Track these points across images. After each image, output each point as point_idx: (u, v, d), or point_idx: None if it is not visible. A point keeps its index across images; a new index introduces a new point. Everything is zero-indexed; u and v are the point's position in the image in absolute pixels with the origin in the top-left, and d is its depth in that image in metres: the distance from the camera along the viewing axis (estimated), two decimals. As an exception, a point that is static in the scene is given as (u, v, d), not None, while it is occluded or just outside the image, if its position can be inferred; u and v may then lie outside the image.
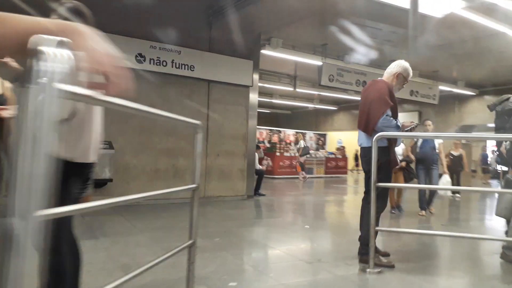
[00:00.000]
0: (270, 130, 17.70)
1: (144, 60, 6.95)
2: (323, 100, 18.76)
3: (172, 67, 7.23)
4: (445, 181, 6.60)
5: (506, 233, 3.93)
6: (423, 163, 6.63)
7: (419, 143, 6.75)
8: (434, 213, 6.79)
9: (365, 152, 3.74)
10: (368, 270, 3.31)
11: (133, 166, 6.94)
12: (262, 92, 16.63)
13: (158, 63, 7.08)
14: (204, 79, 7.65)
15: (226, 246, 4.12)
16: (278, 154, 16.27)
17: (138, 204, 6.79)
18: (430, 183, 6.59)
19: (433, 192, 6.84)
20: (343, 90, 10.39)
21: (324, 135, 20.11)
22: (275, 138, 17.89)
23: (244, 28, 7.75)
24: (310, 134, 19.25)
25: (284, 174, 15.85)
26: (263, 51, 9.13)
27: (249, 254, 4.09)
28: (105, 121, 6.34)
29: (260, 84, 13.78)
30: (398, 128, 3.62)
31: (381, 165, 3.54)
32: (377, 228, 3.48)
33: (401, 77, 3.78)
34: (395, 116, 3.67)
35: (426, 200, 6.74)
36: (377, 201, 3.58)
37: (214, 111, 7.79)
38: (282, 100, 17.58)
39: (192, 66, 7.43)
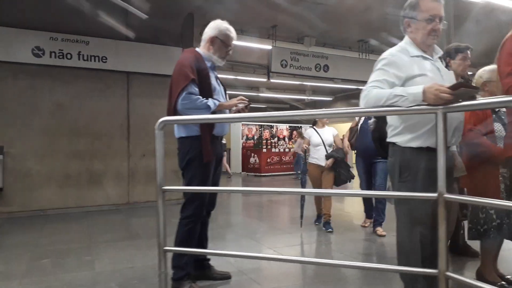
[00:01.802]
0: (260, 125, 16.68)
1: (43, 54, 6.21)
2: (316, 91, 17.54)
3: (79, 59, 6.45)
4: None
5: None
6: (363, 155, 4.65)
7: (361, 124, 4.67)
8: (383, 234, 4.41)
9: (179, 144, 2.85)
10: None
11: (36, 172, 6.21)
12: (243, 86, 15.71)
13: (61, 56, 6.32)
14: (121, 71, 6.83)
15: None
16: (264, 150, 15.31)
17: (45, 215, 6.10)
18: (374, 183, 4.52)
19: (380, 199, 4.58)
20: (301, 76, 9.26)
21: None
22: (266, 134, 16.87)
23: (169, 10, 6.87)
24: (306, 127, 18.09)
25: (273, 172, 14.87)
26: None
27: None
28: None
29: (231, 77, 13.04)
30: (209, 109, 2.67)
31: (190, 160, 2.74)
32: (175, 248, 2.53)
33: (218, 42, 2.85)
34: (207, 93, 2.74)
35: (371, 204, 4.78)
36: (184, 209, 2.78)
37: (136, 106, 6.96)
38: (271, 93, 16.53)
39: (104, 58, 6.62)
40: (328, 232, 4.64)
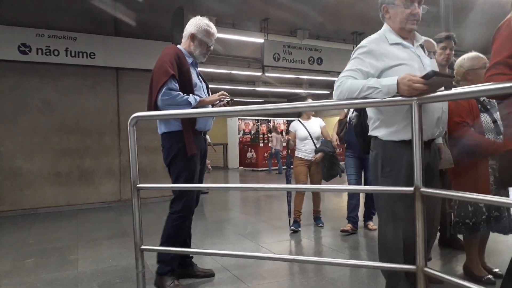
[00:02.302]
0: (257, 120, 16.61)
1: (30, 51, 6.12)
2: (313, 85, 17.43)
3: (67, 56, 6.37)
4: None
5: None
6: (352, 149, 4.25)
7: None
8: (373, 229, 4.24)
9: (162, 140, 2.80)
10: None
11: (26, 170, 6.16)
12: (240, 81, 15.62)
13: (48, 53, 6.24)
14: (110, 67, 6.75)
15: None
16: (261, 145, 15.25)
17: (36, 213, 6.05)
18: (365, 181, 4.28)
19: (370, 196, 4.30)
20: (295, 69, 9.16)
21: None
22: (263, 129, 16.81)
23: (159, 4, 6.77)
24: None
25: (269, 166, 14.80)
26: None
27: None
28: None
29: (225, 71, 12.94)
30: (189, 105, 2.62)
31: (174, 156, 2.70)
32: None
33: (198, 38, 2.80)
34: (188, 89, 2.69)
35: (356, 206, 4.32)
36: (173, 205, 2.77)
37: (126, 102, 6.88)
38: (266, 87, 16.43)
39: (92, 54, 6.54)
40: (319, 227, 4.57)
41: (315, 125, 4.62)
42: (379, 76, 1.96)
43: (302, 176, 4.49)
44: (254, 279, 2.88)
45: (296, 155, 4.62)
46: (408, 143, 1.91)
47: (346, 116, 4.32)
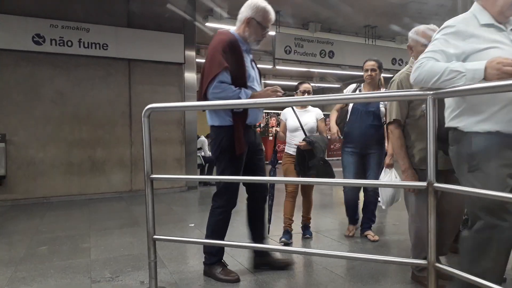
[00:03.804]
0: (267, 113, 16.56)
1: (44, 41, 6.18)
2: (324, 78, 17.33)
3: (80, 47, 6.41)
4: (393, 180, 3.31)
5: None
6: (354, 143, 3.63)
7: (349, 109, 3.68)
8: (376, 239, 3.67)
9: (211, 132, 2.75)
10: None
11: (39, 160, 6.25)
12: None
13: (61, 44, 6.29)
14: (123, 58, 6.78)
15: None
16: (271, 138, 15.23)
17: (48, 202, 6.16)
18: (367, 177, 3.66)
19: (372, 198, 3.76)
20: (306, 62, 9.11)
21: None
22: (272, 122, 16.78)
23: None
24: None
25: (279, 159, 14.77)
26: (208, 24, 8.14)
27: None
28: (1, 113, 5.80)
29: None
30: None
31: (223, 151, 2.65)
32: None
33: (254, 23, 2.63)
34: (241, 82, 2.56)
35: (356, 207, 3.86)
36: (216, 199, 2.74)
37: (138, 94, 6.93)
38: (278, 80, 16.38)
39: (105, 45, 6.58)
40: (306, 237, 3.80)
41: (310, 115, 3.75)
42: (464, 61, 1.76)
43: (291, 175, 3.72)
44: (262, 270, 2.90)
45: (285, 150, 3.84)
46: (497, 135, 1.72)
47: (347, 105, 3.71)
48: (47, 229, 4.36)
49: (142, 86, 6.95)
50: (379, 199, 3.49)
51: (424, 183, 1.70)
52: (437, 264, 1.73)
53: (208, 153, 8.34)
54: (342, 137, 3.73)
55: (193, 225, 4.52)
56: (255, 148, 2.79)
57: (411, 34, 2.52)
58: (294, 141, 3.71)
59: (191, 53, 7.38)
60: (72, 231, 4.23)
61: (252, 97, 2.54)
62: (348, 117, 3.67)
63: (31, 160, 6.20)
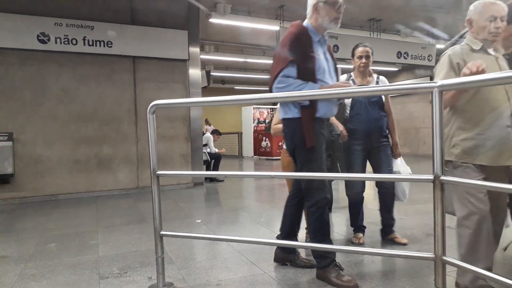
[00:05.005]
0: (272, 109, 16.56)
1: (49, 40, 6.20)
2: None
3: (84, 45, 6.43)
4: (402, 171, 3.34)
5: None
6: (362, 139, 3.28)
7: (347, 103, 3.33)
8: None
9: (283, 126, 2.66)
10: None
11: (46, 158, 6.30)
12: (255, 69, 15.56)
13: (66, 42, 6.31)
14: (127, 55, 6.80)
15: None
16: (276, 134, 15.23)
17: (56, 199, 6.21)
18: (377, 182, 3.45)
19: (390, 195, 3.37)
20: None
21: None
22: (277, 117, 16.76)
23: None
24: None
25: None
26: (211, 20, 8.14)
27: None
28: (8, 111, 5.85)
29: (240, 59, 12.88)
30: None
31: (296, 145, 2.53)
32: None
33: (322, 5, 2.48)
34: (309, 75, 2.44)
35: (362, 213, 3.46)
36: (308, 198, 2.59)
37: (143, 91, 6.95)
38: (282, 75, 16.33)
39: (109, 42, 6.59)
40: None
41: None
42: None
43: (291, 169, 3.12)
44: (269, 265, 2.91)
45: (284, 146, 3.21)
46: None
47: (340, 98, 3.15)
48: (55, 226, 4.40)
49: (147, 83, 6.97)
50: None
51: (431, 176, 1.70)
52: (445, 257, 1.73)
53: (214, 149, 8.35)
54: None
55: (199, 221, 4.54)
56: (327, 145, 2.66)
57: (472, 7, 2.27)
58: None
59: (195, 50, 7.38)
60: (80, 228, 4.27)
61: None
62: (348, 111, 3.31)
63: (38, 158, 6.25)
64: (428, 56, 9.73)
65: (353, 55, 3.40)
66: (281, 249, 2.89)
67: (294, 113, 2.49)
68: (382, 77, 3.48)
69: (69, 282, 2.70)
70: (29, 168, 6.18)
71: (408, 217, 4.36)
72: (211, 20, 8.09)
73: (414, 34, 10.09)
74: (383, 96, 3.36)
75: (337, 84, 2.52)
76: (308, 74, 2.43)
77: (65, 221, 4.70)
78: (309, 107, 2.45)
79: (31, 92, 6.18)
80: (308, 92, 2.36)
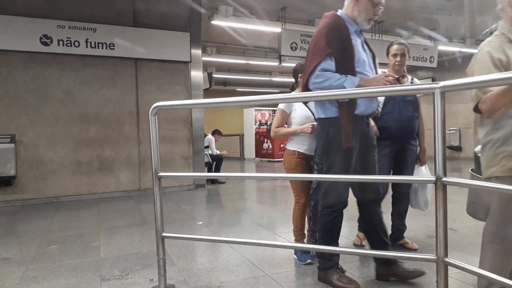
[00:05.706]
0: (273, 111, 16.54)
1: (51, 42, 6.23)
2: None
3: (87, 47, 6.46)
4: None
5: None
6: (391, 139, 3.10)
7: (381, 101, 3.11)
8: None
9: (318, 126, 2.54)
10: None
11: (48, 160, 6.32)
12: (257, 71, 15.58)
13: (68, 44, 6.34)
14: (129, 57, 6.82)
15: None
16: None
17: (58, 202, 6.22)
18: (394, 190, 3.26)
19: (406, 200, 3.24)
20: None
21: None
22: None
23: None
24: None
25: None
26: (213, 22, 8.15)
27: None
28: (10, 113, 5.88)
29: (241, 61, 12.89)
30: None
31: (329, 145, 2.42)
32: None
33: (363, 1, 2.36)
34: (348, 68, 2.30)
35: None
36: (324, 199, 2.54)
37: (145, 93, 6.96)
38: (283, 78, 16.38)
39: (111, 44, 6.61)
40: (308, 263, 2.94)
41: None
42: None
43: (298, 171, 2.97)
44: (271, 267, 2.91)
45: (287, 147, 3.10)
46: None
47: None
48: (57, 229, 4.41)
49: (149, 85, 6.99)
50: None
51: (433, 178, 1.69)
52: (447, 259, 1.72)
53: (216, 151, 8.35)
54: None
55: (201, 223, 4.53)
56: (367, 143, 2.49)
57: None
58: (301, 135, 2.98)
59: (197, 52, 7.39)
60: (82, 230, 4.27)
61: (359, 84, 2.26)
62: (380, 108, 3.12)
63: (40, 160, 6.26)
64: (430, 57, 9.70)
65: (387, 53, 3.24)
66: (380, 264, 2.56)
67: (331, 112, 2.35)
68: (416, 80, 3.39)
69: (70, 284, 2.70)
70: (31, 170, 6.20)
71: (410, 219, 4.32)
72: (213, 22, 8.11)
73: (415, 35, 10.08)
74: (417, 96, 3.22)
75: (378, 76, 2.36)
76: (347, 66, 2.29)
77: (67, 223, 4.70)
78: (348, 103, 2.30)
79: (33, 94, 6.20)
80: (321, 92, 2.22)
